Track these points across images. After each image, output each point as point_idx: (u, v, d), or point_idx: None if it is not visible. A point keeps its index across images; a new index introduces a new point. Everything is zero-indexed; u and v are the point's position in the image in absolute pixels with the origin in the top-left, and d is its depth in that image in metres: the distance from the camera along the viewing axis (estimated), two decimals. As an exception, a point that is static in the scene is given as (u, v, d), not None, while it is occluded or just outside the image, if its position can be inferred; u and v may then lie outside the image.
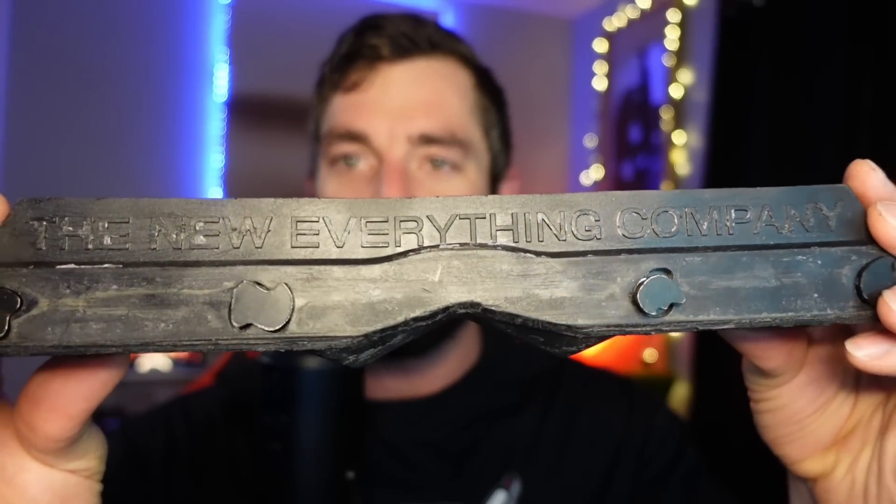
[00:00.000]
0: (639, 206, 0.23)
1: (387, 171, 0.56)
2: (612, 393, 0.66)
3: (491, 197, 0.23)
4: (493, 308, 0.22)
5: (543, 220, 0.23)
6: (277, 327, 0.21)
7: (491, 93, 0.65)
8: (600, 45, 2.82)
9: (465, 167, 0.60)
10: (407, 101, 0.57)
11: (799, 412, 0.29)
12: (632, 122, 2.67)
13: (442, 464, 0.59)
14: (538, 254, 0.23)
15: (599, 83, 2.82)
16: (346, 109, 0.58)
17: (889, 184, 0.25)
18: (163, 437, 0.59)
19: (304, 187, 0.69)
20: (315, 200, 0.22)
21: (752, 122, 2.03)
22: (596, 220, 0.23)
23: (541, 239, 0.23)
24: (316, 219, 0.22)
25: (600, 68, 2.82)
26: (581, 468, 0.61)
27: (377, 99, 0.57)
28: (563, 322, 0.22)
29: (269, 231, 0.22)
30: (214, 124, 2.52)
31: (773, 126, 1.95)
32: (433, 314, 0.22)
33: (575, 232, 0.23)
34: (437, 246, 0.22)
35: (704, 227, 0.23)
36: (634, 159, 2.64)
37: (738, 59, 2.08)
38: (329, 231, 0.22)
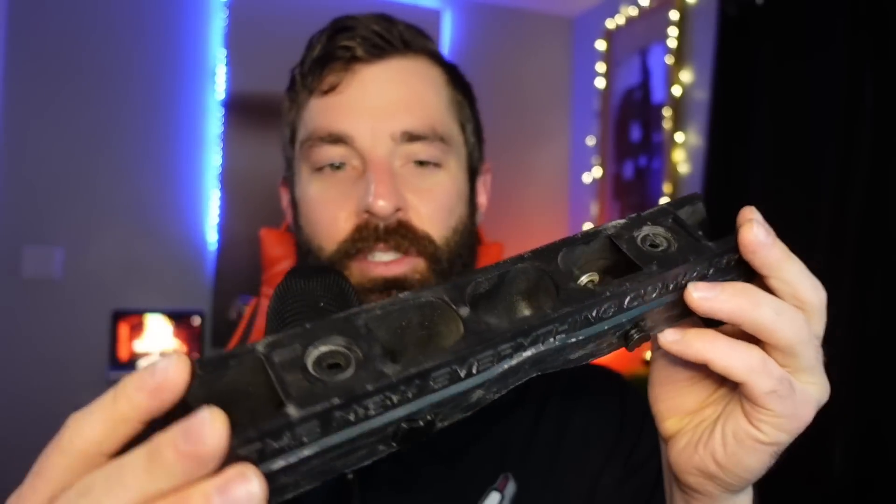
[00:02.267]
0: (640, 288, 0.32)
1: (374, 171, 0.56)
2: (606, 393, 0.66)
3: (548, 326, 0.31)
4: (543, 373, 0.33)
5: (587, 316, 0.32)
6: (426, 440, 0.29)
7: (462, 88, 0.65)
8: (601, 44, 2.82)
9: (447, 162, 0.60)
10: (387, 100, 0.58)
11: (676, 375, 0.38)
12: (632, 120, 2.66)
13: (435, 463, 0.59)
14: (576, 338, 0.32)
15: (600, 82, 2.82)
16: (325, 112, 0.58)
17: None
18: None
19: (279, 194, 0.69)
20: (440, 355, 0.28)
21: (752, 121, 2.02)
22: (610, 304, 0.32)
23: (576, 330, 0.32)
24: (445, 370, 0.28)
25: (601, 67, 2.82)
26: (574, 470, 0.60)
27: (356, 99, 0.58)
28: (581, 363, 0.34)
29: (415, 387, 0.28)
30: (214, 124, 2.52)
31: (774, 124, 1.95)
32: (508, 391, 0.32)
33: (601, 315, 0.32)
34: (521, 356, 0.31)
35: (670, 286, 0.33)
36: (635, 158, 2.64)
37: (738, 57, 2.07)
38: (456, 371, 0.29)
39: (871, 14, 1.71)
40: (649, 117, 2.57)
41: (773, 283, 0.34)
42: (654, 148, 2.53)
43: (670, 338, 0.34)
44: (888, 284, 1.66)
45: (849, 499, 1.64)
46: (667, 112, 2.44)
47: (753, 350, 0.33)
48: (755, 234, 0.33)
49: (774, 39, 1.96)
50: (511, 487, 0.57)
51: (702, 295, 0.32)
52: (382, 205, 0.55)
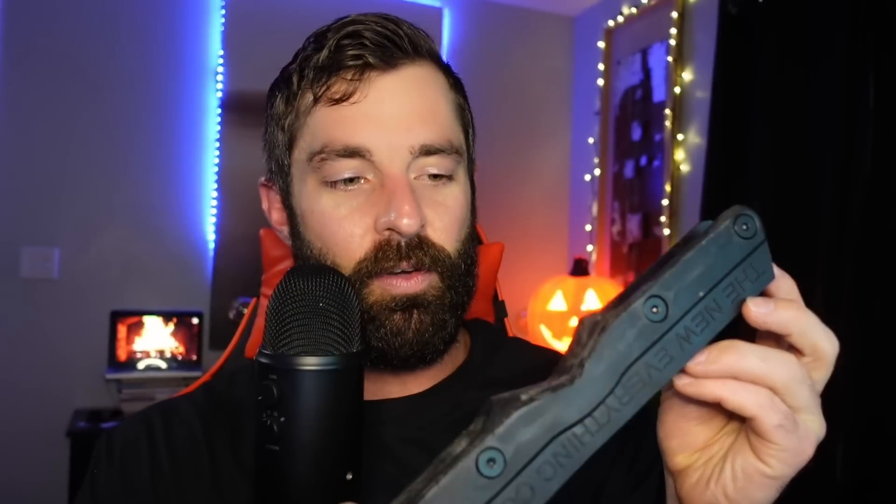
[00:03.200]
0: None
1: (396, 187, 0.55)
2: None
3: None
4: None
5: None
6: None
7: (461, 90, 0.64)
8: (602, 43, 2.82)
9: (458, 173, 0.60)
10: (403, 112, 0.56)
11: (688, 413, 0.41)
12: (633, 120, 2.66)
13: None
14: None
15: (601, 81, 2.82)
16: (338, 123, 0.57)
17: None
18: (147, 452, 0.60)
19: (261, 194, 0.67)
20: None
21: (753, 120, 2.02)
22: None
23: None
24: None
25: (601, 66, 2.82)
26: (577, 478, 0.60)
27: (372, 111, 0.56)
28: None
29: None
30: (212, 124, 2.51)
31: (775, 124, 1.95)
32: None
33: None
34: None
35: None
36: (636, 158, 2.64)
37: (739, 56, 2.07)
38: None
39: (872, 12, 1.71)
40: (650, 116, 2.57)
41: (791, 340, 0.37)
42: (655, 147, 2.53)
43: (685, 380, 0.36)
44: (888, 284, 1.65)
45: (852, 500, 1.64)
46: (667, 111, 2.44)
47: (761, 388, 0.36)
48: (754, 312, 0.36)
49: (775, 38, 1.96)
50: None
51: (696, 361, 0.36)
52: (409, 223, 0.54)
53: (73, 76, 2.36)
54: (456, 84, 0.63)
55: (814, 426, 0.37)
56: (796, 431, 0.36)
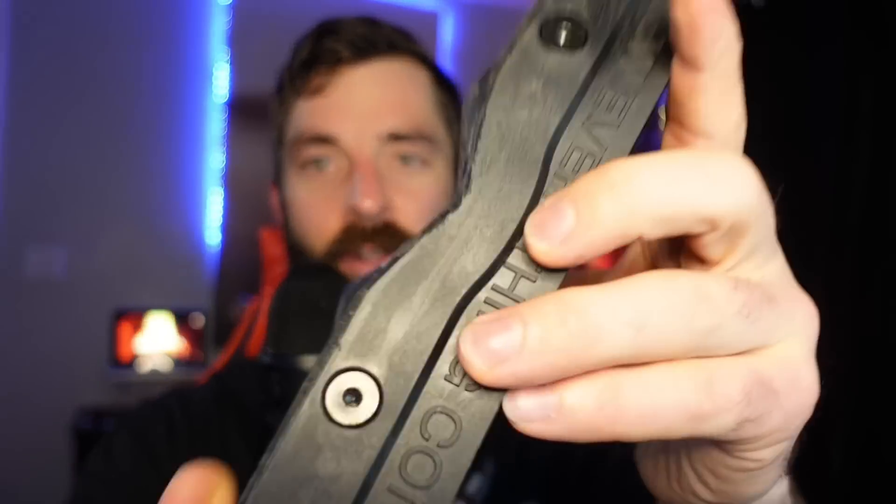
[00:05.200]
0: None
1: (360, 171, 0.57)
2: None
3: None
4: None
5: None
6: None
7: (448, 90, 0.66)
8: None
9: (433, 162, 0.61)
10: (372, 101, 0.59)
11: None
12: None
13: None
14: None
15: (601, 82, 2.81)
16: (311, 113, 0.59)
17: None
18: (164, 423, 0.61)
19: (270, 196, 0.70)
20: None
21: (751, 120, 2.01)
22: None
23: None
24: None
25: (602, 67, 2.81)
26: (550, 451, 0.59)
27: (342, 101, 0.59)
28: None
29: None
30: (215, 124, 2.52)
31: (773, 124, 1.95)
32: None
33: None
34: None
35: None
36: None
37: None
38: None
39: (869, 13, 1.71)
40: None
41: (704, 79, 0.19)
42: (654, 149, 2.52)
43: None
44: (888, 284, 1.65)
45: (848, 499, 1.64)
46: (665, 113, 2.44)
47: (681, 379, 0.17)
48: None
49: (772, 39, 1.96)
50: (490, 467, 0.58)
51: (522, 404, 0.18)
52: (369, 204, 0.56)
53: (78, 77, 2.37)
54: (441, 83, 0.65)
55: (797, 345, 0.20)
56: (770, 398, 0.19)
